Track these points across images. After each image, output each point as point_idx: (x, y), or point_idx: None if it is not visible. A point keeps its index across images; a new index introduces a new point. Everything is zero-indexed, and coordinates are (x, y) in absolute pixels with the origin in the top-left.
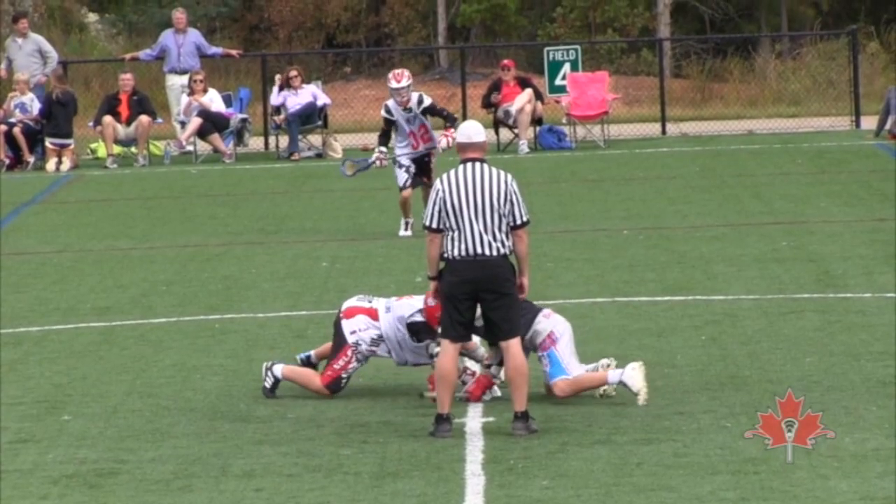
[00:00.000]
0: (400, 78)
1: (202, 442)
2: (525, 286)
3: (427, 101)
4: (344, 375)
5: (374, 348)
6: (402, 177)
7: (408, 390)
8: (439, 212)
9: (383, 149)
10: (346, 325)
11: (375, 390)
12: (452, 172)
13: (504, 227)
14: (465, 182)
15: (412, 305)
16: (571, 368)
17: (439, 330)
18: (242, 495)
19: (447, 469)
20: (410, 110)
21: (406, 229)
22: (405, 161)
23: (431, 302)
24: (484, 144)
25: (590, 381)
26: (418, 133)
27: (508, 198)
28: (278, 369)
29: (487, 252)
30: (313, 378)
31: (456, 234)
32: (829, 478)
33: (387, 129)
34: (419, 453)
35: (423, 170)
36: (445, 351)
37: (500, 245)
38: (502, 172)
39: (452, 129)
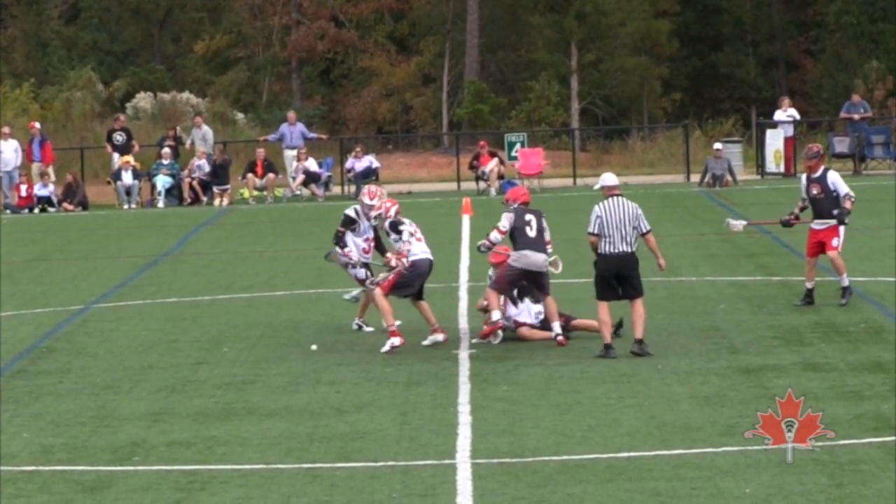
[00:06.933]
0: (374, 196)
1: (304, 363)
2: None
3: (391, 219)
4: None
5: None
6: (361, 273)
7: (424, 338)
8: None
9: (338, 249)
10: None
11: (407, 335)
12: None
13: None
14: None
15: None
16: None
17: None
18: (327, 395)
19: (448, 380)
20: (369, 220)
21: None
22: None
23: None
24: (618, 187)
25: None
26: (371, 240)
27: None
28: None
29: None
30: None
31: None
32: (671, 384)
33: (344, 231)
34: (431, 371)
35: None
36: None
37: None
38: (631, 200)
39: (396, 256)
